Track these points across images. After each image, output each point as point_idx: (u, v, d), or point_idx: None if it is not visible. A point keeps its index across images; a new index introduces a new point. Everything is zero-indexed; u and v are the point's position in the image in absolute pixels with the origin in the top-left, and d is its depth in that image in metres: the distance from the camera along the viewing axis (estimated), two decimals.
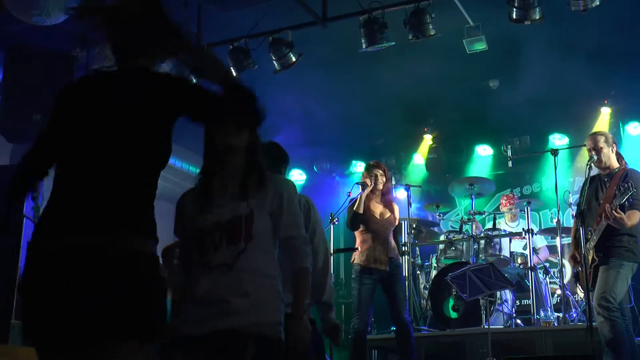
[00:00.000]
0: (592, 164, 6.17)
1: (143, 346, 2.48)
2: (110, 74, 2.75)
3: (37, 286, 2.45)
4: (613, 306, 5.71)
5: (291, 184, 3.38)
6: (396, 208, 7.11)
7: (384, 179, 7.06)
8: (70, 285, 2.39)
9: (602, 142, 6.19)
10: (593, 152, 6.16)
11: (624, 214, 5.85)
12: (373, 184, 6.98)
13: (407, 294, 7.79)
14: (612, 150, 6.22)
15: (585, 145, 6.49)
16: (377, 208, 6.99)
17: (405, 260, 8.12)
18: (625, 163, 6.32)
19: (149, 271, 2.51)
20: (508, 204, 9.44)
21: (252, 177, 3.24)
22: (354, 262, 6.95)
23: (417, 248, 9.18)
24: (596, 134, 6.43)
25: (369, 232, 6.94)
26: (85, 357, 2.44)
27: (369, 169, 7.14)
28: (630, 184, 5.79)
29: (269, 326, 3.11)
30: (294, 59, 8.01)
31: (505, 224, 9.32)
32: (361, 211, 6.92)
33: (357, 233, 7.05)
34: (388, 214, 6.97)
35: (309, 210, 4.21)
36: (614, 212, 5.78)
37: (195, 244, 3.21)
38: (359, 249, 6.97)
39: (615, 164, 6.22)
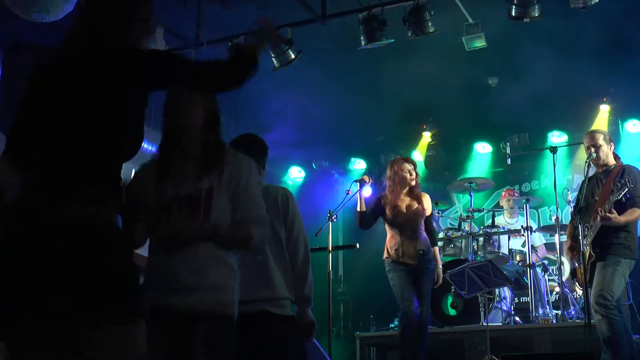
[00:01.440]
0: (591, 162, 6.18)
1: (126, 327, 2.46)
2: (70, 51, 2.71)
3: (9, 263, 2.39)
4: (611, 304, 5.72)
5: (251, 162, 3.32)
6: (426, 199, 6.93)
7: (415, 174, 6.89)
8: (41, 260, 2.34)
9: (601, 140, 6.19)
10: (592, 149, 6.16)
11: (624, 210, 5.86)
12: (400, 181, 6.84)
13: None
14: (610, 148, 6.23)
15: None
16: (404, 202, 6.82)
17: None
18: (616, 154, 6.34)
19: (123, 246, 2.51)
20: (507, 195, 9.45)
21: (212, 152, 3.22)
22: (385, 257, 6.87)
23: None
24: (595, 131, 6.44)
25: (396, 227, 6.82)
26: (66, 340, 2.41)
27: (400, 164, 6.91)
28: (627, 179, 5.79)
29: (221, 305, 3.11)
30: (293, 56, 8.01)
31: (504, 221, 9.33)
32: (362, 209, 6.90)
33: (386, 229, 6.99)
34: (415, 206, 6.79)
35: (288, 202, 4.10)
36: (606, 213, 5.79)
37: (152, 216, 3.18)
38: (388, 244, 6.85)
39: (612, 161, 6.23)
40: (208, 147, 3.24)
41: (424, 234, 6.82)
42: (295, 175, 12.23)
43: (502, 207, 9.63)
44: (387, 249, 6.86)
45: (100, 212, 2.47)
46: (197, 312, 3.07)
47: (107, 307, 2.38)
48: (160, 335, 3.07)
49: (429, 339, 6.73)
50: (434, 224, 7.23)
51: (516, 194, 9.58)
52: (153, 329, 3.01)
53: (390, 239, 6.86)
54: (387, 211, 6.83)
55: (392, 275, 6.72)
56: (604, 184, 6.10)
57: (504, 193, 9.62)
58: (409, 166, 6.87)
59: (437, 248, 7.01)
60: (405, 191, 6.84)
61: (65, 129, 2.53)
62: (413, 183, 6.84)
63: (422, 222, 6.83)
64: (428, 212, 6.92)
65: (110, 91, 2.57)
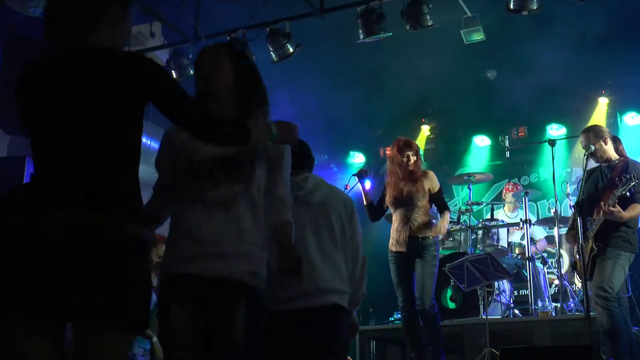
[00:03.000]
0: (589, 156, 6.17)
1: (127, 336, 2.46)
2: (76, 54, 2.64)
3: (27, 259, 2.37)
4: (611, 296, 5.73)
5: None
6: (430, 176, 6.74)
7: (415, 159, 6.67)
8: (66, 260, 2.33)
9: (592, 138, 6.19)
10: (591, 146, 6.17)
11: (625, 205, 5.87)
12: (402, 167, 6.64)
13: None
14: (604, 142, 6.21)
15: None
16: (402, 186, 6.66)
17: None
18: (623, 148, 6.32)
19: (144, 258, 2.48)
20: (513, 190, 9.45)
21: (247, 108, 3.20)
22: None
23: None
24: (585, 131, 6.38)
25: (395, 214, 6.74)
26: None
27: (400, 148, 6.71)
28: (632, 175, 5.79)
29: (251, 275, 3.05)
30: (291, 50, 8.00)
31: (504, 214, 9.33)
32: (368, 202, 6.91)
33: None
34: (413, 189, 6.61)
35: (353, 210, 4.28)
36: (610, 208, 5.80)
37: (191, 176, 3.14)
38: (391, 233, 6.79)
39: (613, 155, 6.22)
40: (243, 102, 3.22)
41: (422, 219, 6.61)
42: None
43: (503, 200, 9.63)
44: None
45: (121, 223, 2.44)
46: (224, 279, 3.01)
47: (113, 314, 2.37)
48: (187, 303, 3.04)
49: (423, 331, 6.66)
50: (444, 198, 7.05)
51: (520, 188, 9.56)
52: (180, 296, 3.04)
53: (392, 227, 6.80)
54: (387, 196, 6.75)
55: (391, 267, 6.69)
56: (609, 178, 6.10)
57: (509, 187, 9.60)
58: (408, 151, 6.66)
59: (447, 213, 6.79)
60: (403, 175, 6.66)
61: (83, 135, 2.51)
62: (411, 168, 6.64)
63: (421, 207, 6.63)
64: (435, 188, 6.74)
65: (128, 99, 2.55)
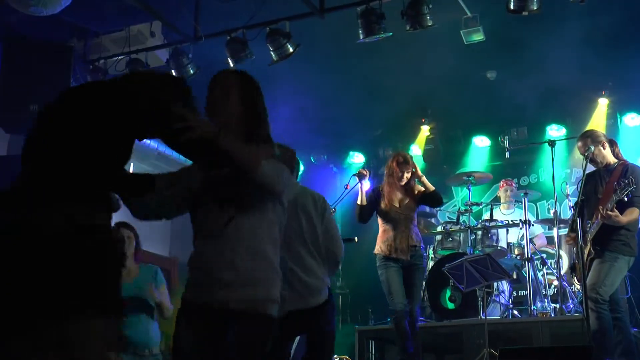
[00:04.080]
0: (588, 157, 6.17)
1: (94, 321, 2.47)
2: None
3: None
4: (601, 298, 5.75)
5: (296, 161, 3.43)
6: (423, 184, 7.07)
7: (410, 175, 6.99)
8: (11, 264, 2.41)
9: (589, 143, 6.20)
10: (589, 150, 6.17)
11: (624, 210, 5.87)
12: (397, 178, 6.94)
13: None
14: (602, 147, 6.21)
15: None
16: (397, 196, 6.95)
17: None
18: (619, 151, 6.32)
19: (90, 244, 2.50)
20: (505, 185, 9.46)
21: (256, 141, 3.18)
22: (376, 252, 6.93)
23: None
24: (582, 136, 6.40)
25: (389, 222, 6.93)
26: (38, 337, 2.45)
27: (399, 163, 7.00)
28: (630, 179, 5.79)
29: (255, 302, 3.07)
30: (291, 50, 7.99)
31: (500, 213, 9.33)
32: (363, 203, 6.94)
33: (379, 223, 7.03)
34: (407, 200, 6.95)
35: (326, 205, 4.56)
36: (608, 212, 5.81)
37: (197, 209, 3.22)
38: (380, 239, 6.93)
39: (612, 159, 6.23)
40: (250, 136, 3.20)
41: (417, 229, 6.97)
42: None
43: (499, 200, 9.63)
44: (378, 244, 6.93)
45: (80, 215, 2.51)
46: (229, 308, 3.04)
47: (82, 301, 2.42)
48: (196, 330, 3.08)
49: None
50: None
51: (514, 185, 9.59)
52: (189, 324, 3.10)
53: (383, 234, 6.96)
54: (382, 205, 6.93)
55: (382, 271, 6.83)
56: (607, 182, 6.10)
57: (501, 183, 9.62)
58: (406, 167, 6.95)
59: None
60: (400, 186, 6.95)
61: (60, 145, 2.61)
62: (403, 183, 6.94)
63: (415, 217, 7.00)
64: (426, 182, 7.06)
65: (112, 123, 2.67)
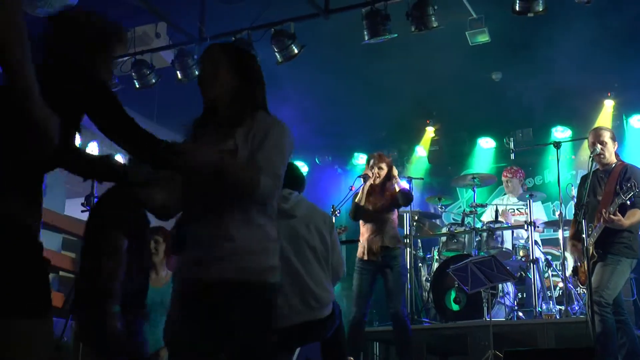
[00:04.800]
0: (594, 158, 6.14)
1: (19, 322, 2.42)
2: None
3: None
4: (604, 301, 5.73)
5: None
6: (396, 185, 7.07)
7: (384, 173, 7.05)
8: None
9: (607, 137, 6.15)
10: (598, 146, 6.12)
11: (625, 212, 5.85)
12: (374, 177, 6.99)
13: (408, 286, 7.78)
14: (614, 146, 6.20)
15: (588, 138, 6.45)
16: (374, 199, 7.01)
17: (407, 253, 8.13)
18: (622, 160, 6.31)
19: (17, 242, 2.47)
20: (510, 175, 9.45)
21: (236, 114, 3.15)
22: (357, 254, 7.01)
23: (419, 240, 9.18)
24: (601, 128, 6.40)
25: (366, 224, 7.01)
26: None
27: (370, 162, 7.15)
28: (633, 183, 5.76)
29: (255, 272, 3.01)
30: (296, 51, 8.00)
31: (512, 202, 9.30)
32: (362, 203, 6.96)
33: (360, 225, 7.09)
34: (382, 202, 6.98)
35: (332, 228, 4.69)
36: (611, 216, 5.78)
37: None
38: (360, 241, 7.01)
39: (614, 159, 6.20)
40: (234, 109, 3.16)
41: (393, 232, 6.96)
42: None
43: (505, 189, 9.63)
44: (359, 245, 6.99)
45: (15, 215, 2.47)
46: (228, 280, 2.97)
47: (12, 301, 2.39)
48: (192, 307, 3.03)
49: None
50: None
51: (520, 173, 9.56)
52: (185, 301, 3.05)
53: (360, 236, 7.06)
54: (362, 203, 7.01)
55: (356, 276, 6.89)
56: (606, 184, 6.07)
57: (504, 173, 9.60)
58: (378, 164, 7.05)
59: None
60: (375, 187, 7.01)
61: None
62: (378, 181, 6.99)
63: (393, 218, 7.01)
64: (400, 183, 7.11)
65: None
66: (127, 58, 8.64)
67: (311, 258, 4.46)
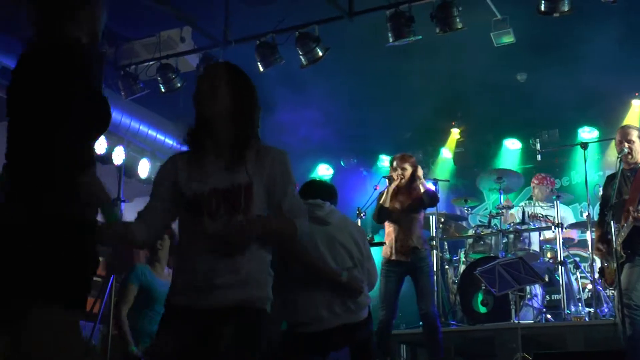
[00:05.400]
0: (622, 158, 6.07)
1: (51, 309, 2.47)
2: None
3: None
4: (634, 304, 5.66)
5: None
6: (422, 186, 7.04)
7: (408, 173, 7.01)
8: None
9: (634, 136, 6.08)
10: (625, 145, 6.05)
11: None
12: (399, 178, 6.97)
13: (435, 288, 7.76)
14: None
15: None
16: (401, 199, 6.97)
17: (433, 255, 8.09)
18: None
19: (46, 233, 2.51)
20: (537, 181, 9.37)
21: (243, 142, 3.16)
22: (382, 254, 6.97)
23: (445, 242, 9.14)
24: (629, 126, 6.34)
25: (392, 224, 6.97)
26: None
27: (393, 164, 7.13)
28: None
29: (254, 300, 3.07)
30: (320, 54, 8.00)
31: (539, 208, 9.22)
32: (386, 205, 6.94)
33: (385, 225, 7.07)
34: (409, 202, 6.95)
35: (365, 238, 4.75)
36: (639, 215, 5.72)
37: (190, 210, 3.13)
38: (386, 242, 6.99)
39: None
40: (239, 137, 3.17)
41: (419, 232, 6.96)
42: (323, 172, 12.22)
43: (533, 196, 9.54)
44: (384, 247, 6.96)
45: (47, 206, 2.52)
46: (226, 306, 3.02)
47: (46, 291, 2.45)
48: (190, 334, 3.05)
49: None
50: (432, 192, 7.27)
51: (548, 181, 9.47)
52: (183, 328, 3.06)
53: (386, 236, 7.02)
54: (387, 204, 6.96)
55: (382, 279, 6.79)
56: (632, 182, 6.00)
57: (536, 181, 9.51)
58: (402, 164, 7.03)
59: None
60: (400, 188, 6.98)
61: (18, 134, 2.64)
62: (404, 182, 6.96)
63: (419, 219, 7.00)
64: (425, 184, 7.08)
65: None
66: (152, 63, 8.70)
67: (348, 261, 4.51)
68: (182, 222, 3.22)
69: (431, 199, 7.07)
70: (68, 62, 2.61)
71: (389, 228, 7.01)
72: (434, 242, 8.29)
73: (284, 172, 3.18)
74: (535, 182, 9.47)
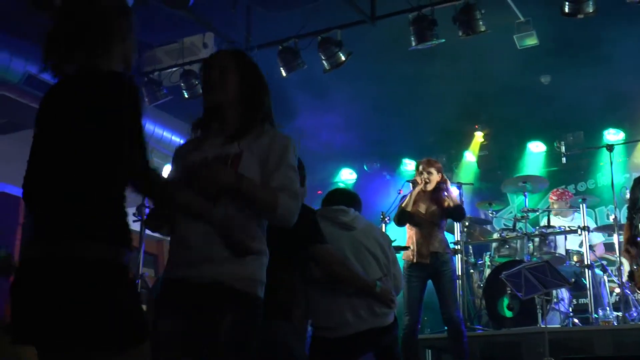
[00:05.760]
0: None
1: (110, 355, 2.45)
2: (68, 78, 2.66)
3: (16, 292, 2.50)
4: None
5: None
6: (451, 196, 7.01)
7: (434, 178, 6.98)
8: (34, 292, 2.43)
9: None
10: None
11: None
12: (423, 183, 6.93)
13: (460, 292, 7.71)
14: None
15: None
16: (424, 203, 6.94)
17: (458, 259, 8.05)
18: None
19: (107, 279, 2.46)
20: (555, 197, 9.29)
21: (248, 122, 3.14)
22: (403, 258, 6.94)
23: (470, 246, 9.08)
24: None
25: (414, 228, 6.93)
26: None
27: (419, 168, 7.07)
28: None
29: (247, 282, 2.96)
30: (343, 58, 8.00)
31: (559, 221, 9.15)
32: (408, 208, 6.91)
33: (407, 228, 7.04)
34: (434, 208, 6.90)
35: (390, 244, 4.71)
36: None
37: (183, 181, 3.08)
38: (410, 247, 6.96)
39: None
40: (246, 121, 3.15)
41: (442, 237, 6.90)
42: (346, 177, 12.21)
43: (552, 209, 9.46)
44: (405, 251, 6.93)
45: (95, 250, 2.47)
46: (214, 284, 2.93)
47: (99, 336, 2.41)
48: (179, 310, 2.99)
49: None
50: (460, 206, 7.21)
51: (567, 196, 9.38)
52: (172, 303, 3.01)
53: (408, 240, 6.98)
54: (409, 208, 6.92)
55: (405, 284, 6.72)
56: None
57: (554, 197, 9.42)
58: (428, 169, 6.96)
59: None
60: (427, 192, 6.93)
61: (57, 166, 2.55)
62: (430, 187, 6.91)
63: (442, 225, 6.95)
64: (453, 203, 6.97)
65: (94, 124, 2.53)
66: (175, 69, 8.74)
67: (374, 265, 4.50)
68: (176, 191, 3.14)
69: (459, 215, 7.12)
70: (120, 86, 2.57)
71: (410, 231, 6.99)
72: (459, 246, 8.25)
73: (281, 153, 3.08)
74: (554, 197, 9.38)
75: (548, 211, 9.09)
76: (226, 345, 2.89)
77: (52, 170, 2.53)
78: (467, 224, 8.89)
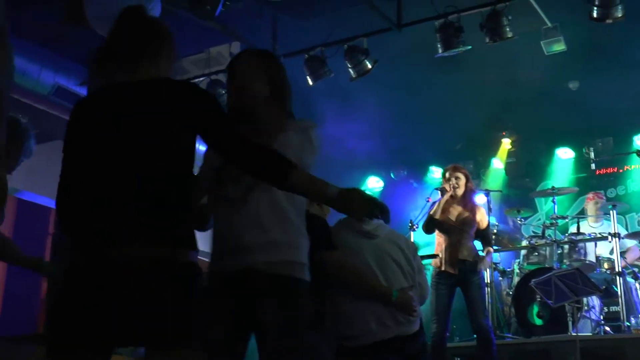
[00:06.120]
0: None
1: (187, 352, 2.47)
2: (127, 85, 2.67)
3: (99, 296, 2.44)
4: None
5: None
6: (480, 212, 7.01)
7: (463, 183, 6.95)
8: (125, 295, 2.42)
9: None
10: None
11: None
12: (452, 189, 6.90)
13: (489, 301, 7.65)
14: None
15: None
16: (455, 210, 6.90)
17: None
18: None
19: (194, 280, 2.51)
20: (595, 198, 9.20)
21: (280, 120, 3.17)
22: (432, 264, 6.92)
23: (499, 254, 9.02)
24: None
25: (443, 235, 6.91)
26: None
27: (446, 175, 7.05)
28: None
29: (285, 265, 2.99)
30: (369, 66, 8.00)
31: (588, 226, 9.07)
32: (437, 216, 6.88)
33: (436, 235, 7.00)
34: (466, 215, 6.87)
35: (416, 251, 4.65)
36: None
37: (214, 177, 3.14)
38: (439, 255, 6.94)
39: None
40: (277, 119, 3.18)
41: (470, 244, 6.87)
42: (373, 185, 12.19)
43: (586, 213, 9.37)
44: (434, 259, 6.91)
45: (184, 253, 2.52)
46: (260, 273, 2.96)
47: (170, 335, 2.44)
48: (221, 299, 3.02)
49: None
50: (491, 234, 7.37)
51: (603, 198, 9.31)
52: (213, 293, 3.04)
53: (437, 247, 6.95)
54: (437, 216, 6.88)
55: (432, 291, 6.72)
56: None
57: (590, 195, 9.34)
58: (455, 174, 6.95)
59: (491, 249, 7.20)
60: (457, 199, 6.90)
61: (135, 167, 2.54)
62: (460, 192, 6.87)
63: (471, 233, 6.90)
64: (483, 224, 7.01)
65: (176, 129, 2.58)
66: (202, 79, 8.78)
67: (398, 273, 4.47)
68: (210, 190, 3.20)
69: (487, 242, 7.18)
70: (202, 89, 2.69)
71: (439, 238, 6.96)
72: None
73: (310, 141, 3.16)
74: (591, 196, 9.31)
75: (578, 218, 9.02)
76: (277, 337, 2.92)
77: (130, 174, 2.53)
78: (495, 231, 8.83)
